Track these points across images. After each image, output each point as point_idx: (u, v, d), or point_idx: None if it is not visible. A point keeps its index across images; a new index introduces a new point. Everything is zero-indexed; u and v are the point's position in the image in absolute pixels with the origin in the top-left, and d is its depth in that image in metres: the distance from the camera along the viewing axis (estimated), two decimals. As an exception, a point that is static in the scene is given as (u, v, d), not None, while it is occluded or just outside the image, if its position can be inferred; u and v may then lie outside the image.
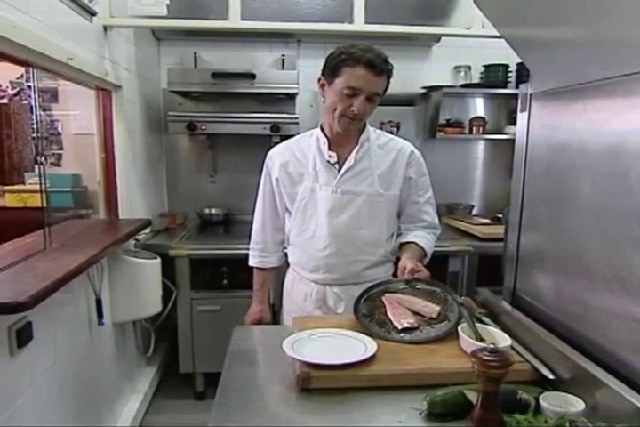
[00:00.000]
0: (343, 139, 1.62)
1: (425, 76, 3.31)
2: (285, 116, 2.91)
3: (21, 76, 3.35)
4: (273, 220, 1.76)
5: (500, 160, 3.39)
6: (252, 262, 1.82)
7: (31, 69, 1.83)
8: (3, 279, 1.42)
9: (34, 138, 2.21)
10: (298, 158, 1.66)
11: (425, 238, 1.67)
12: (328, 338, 1.23)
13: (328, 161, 1.61)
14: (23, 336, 1.40)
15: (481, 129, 3.26)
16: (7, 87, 3.36)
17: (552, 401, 0.91)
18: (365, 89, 1.48)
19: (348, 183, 1.60)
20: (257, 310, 1.82)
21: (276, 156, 1.71)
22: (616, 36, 0.97)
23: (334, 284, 1.66)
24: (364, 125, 1.66)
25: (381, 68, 1.47)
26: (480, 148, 3.47)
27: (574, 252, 1.14)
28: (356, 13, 2.32)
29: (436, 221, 1.74)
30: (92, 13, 2.15)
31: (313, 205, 1.63)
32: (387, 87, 1.56)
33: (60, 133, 2.69)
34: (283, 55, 3.18)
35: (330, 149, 1.62)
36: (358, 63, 1.45)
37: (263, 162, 1.74)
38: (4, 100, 3.29)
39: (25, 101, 3.33)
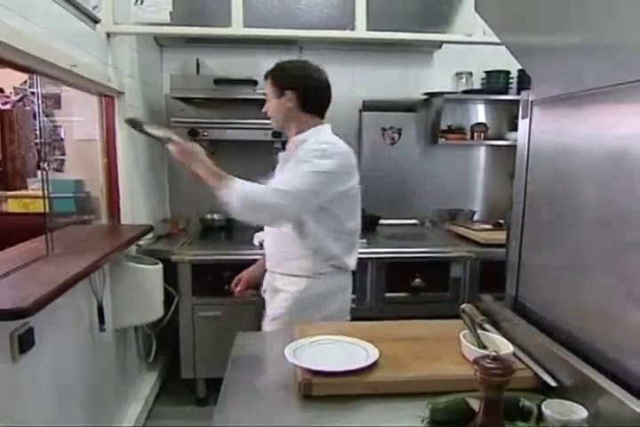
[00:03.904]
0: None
1: (426, 82, 3.32)
2: (287, 122, 2.91)
3: (25, 82, 3.38)
4: None
5: (502, 166, 3.39)
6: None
7: (35, 76, 1.84)
8: (5, 285, 1.43)
9: (37, 144, 2.22)
10: None
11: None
12: (330, 345, 1.22)
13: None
14: (25, 342, 1.40)
15: (482, 135, 3.27)
16: (11, 93, 3.38)
17: (554, 409, 0.91)
18: None
19: None
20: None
21: None
22: (618, 42, 0.97)
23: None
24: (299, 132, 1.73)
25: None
26: (481, 154, 3.48)
27: (577, 258, 1.14)
28: (358, 20, 2.34)
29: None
30: (96, 20, 2.17)
31: None
32: (273, 86, 1.73)
33: (62, 139, 2.69)
34: (285, 61, 3.19)
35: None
36: None
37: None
38: (8, 107, 3.30)
39: (28, 107, 3.36)
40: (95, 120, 2.42)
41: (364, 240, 2.75)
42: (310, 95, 1.71)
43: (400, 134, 3.28)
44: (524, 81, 3.11)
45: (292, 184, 1.55)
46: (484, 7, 1.37)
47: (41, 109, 2.19)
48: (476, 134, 3.27)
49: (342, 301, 1.78)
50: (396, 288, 2.65)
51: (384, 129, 3.25)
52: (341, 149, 1.67)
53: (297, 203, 1.56)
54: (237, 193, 1.54)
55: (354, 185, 1.70)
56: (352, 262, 1.78)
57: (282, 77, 1.71)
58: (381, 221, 3.20)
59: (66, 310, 1.72)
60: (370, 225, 3.13)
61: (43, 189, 1.90)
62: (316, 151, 1.60)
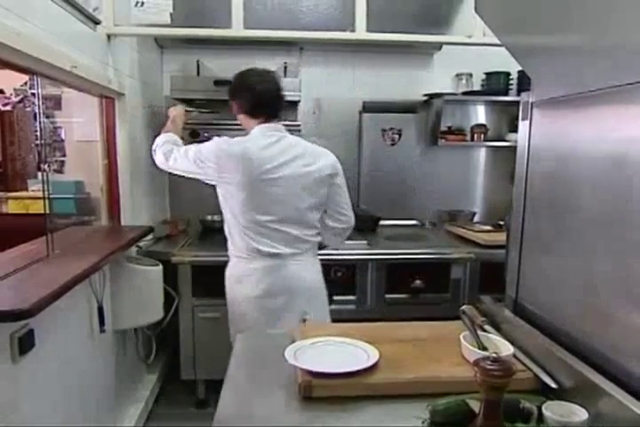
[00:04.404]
0: None
1: (426, 83, 3.33)
2: (288, 123, 2.89)
3: (25, 83, 3.38)
4: None
5: (502, 167, 3.39)
6: None
7: (35, 77, 1.84)
8: (5, 286, 1.43)
9: (37, 145, 2.22)
10: None
11: None
12: (330, 346, 1.22)
13: None
14: (25, 344, 1.40)
15: (482, 136, 3.27)
16: (11, 95, 3.38)
17: (555, 410, 0.91)
18: None
19: None
20: None
21: None
22: (619, 43, 0.97)
23: None
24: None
25: None
26: (481, 155, 3.48)
27: (576, 260, 1.14)
28: (358, 22, 2.34)
29: None
30: (96, 22, 2.17)
31: None
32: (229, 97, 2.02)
33: (63, 140, 2.70)
34: (285, 63, 3.19)
35: None
36: None
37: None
38: (8, 108, 3.31)
39: (29, 109, 3.36)
40: (95, 121, 2.42)
41: (365, 241, 2.75)
42: (244, 102, 1.96)
43: (400, 135, 3.28)
44: (524, 82, 3.11)
45: (179, 154, 1.97)
46: (483, 8, 1.37)
47: (41, 111, 2.19)
48: (475, 135, 3.27)
49: (262, 284, 1.90)
50: (396, 289, 2.65)
51: (384, 130, 3.25)
52: (228, 148, 1.88)
53: (170, 164, 2.00)
54: (156, 141, 2.08)
55: (236, 183, 1.89)
56: (265, 247, 1.89)
57: (228, 89, 2.02)
58: (381, 222, 3.20)
59: (66, 311, 1.72)
60: (370, 226, 3.13)
61: (43, 190, 1.90)
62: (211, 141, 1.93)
